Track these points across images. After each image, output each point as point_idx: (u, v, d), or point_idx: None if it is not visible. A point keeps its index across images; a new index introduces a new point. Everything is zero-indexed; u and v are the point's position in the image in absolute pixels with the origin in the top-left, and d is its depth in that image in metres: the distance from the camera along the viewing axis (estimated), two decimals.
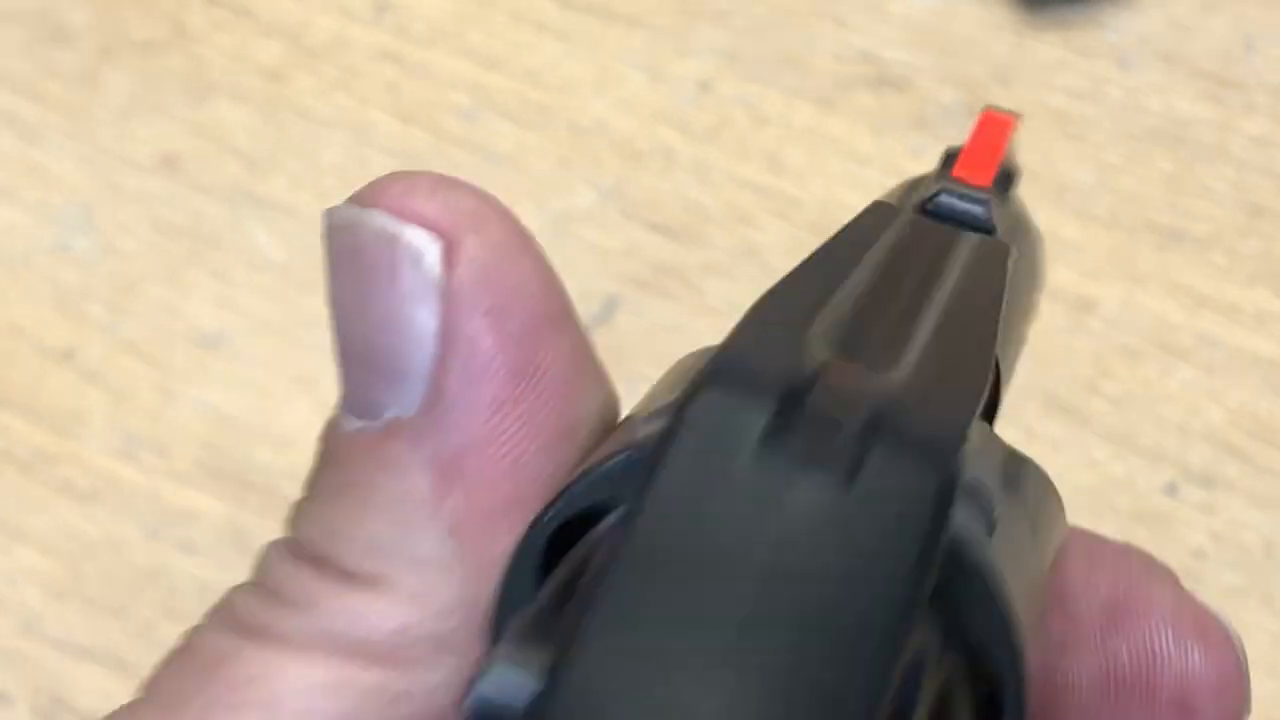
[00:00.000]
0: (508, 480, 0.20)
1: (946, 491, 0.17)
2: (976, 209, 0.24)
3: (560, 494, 0.20)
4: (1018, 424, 0.49)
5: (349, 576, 0.20)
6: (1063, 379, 0.50)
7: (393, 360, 0.20)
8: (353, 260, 0.20)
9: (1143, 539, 0.48)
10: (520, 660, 0.18)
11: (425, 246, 0.20)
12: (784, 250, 0.51)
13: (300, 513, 0.22)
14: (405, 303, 0.20)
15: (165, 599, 0.47)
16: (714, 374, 0.18)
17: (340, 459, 0.21)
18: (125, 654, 0.47)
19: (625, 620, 0.17)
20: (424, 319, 0.20)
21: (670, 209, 0.52)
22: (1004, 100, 0.53)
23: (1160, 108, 0.53)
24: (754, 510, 0.17)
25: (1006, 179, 0.26)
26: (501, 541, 0.20)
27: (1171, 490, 0.48)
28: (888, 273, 0.21)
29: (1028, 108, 0.53)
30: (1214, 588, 0.47)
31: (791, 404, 0.18)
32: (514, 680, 0.17)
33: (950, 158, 0.26)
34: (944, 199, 0.25)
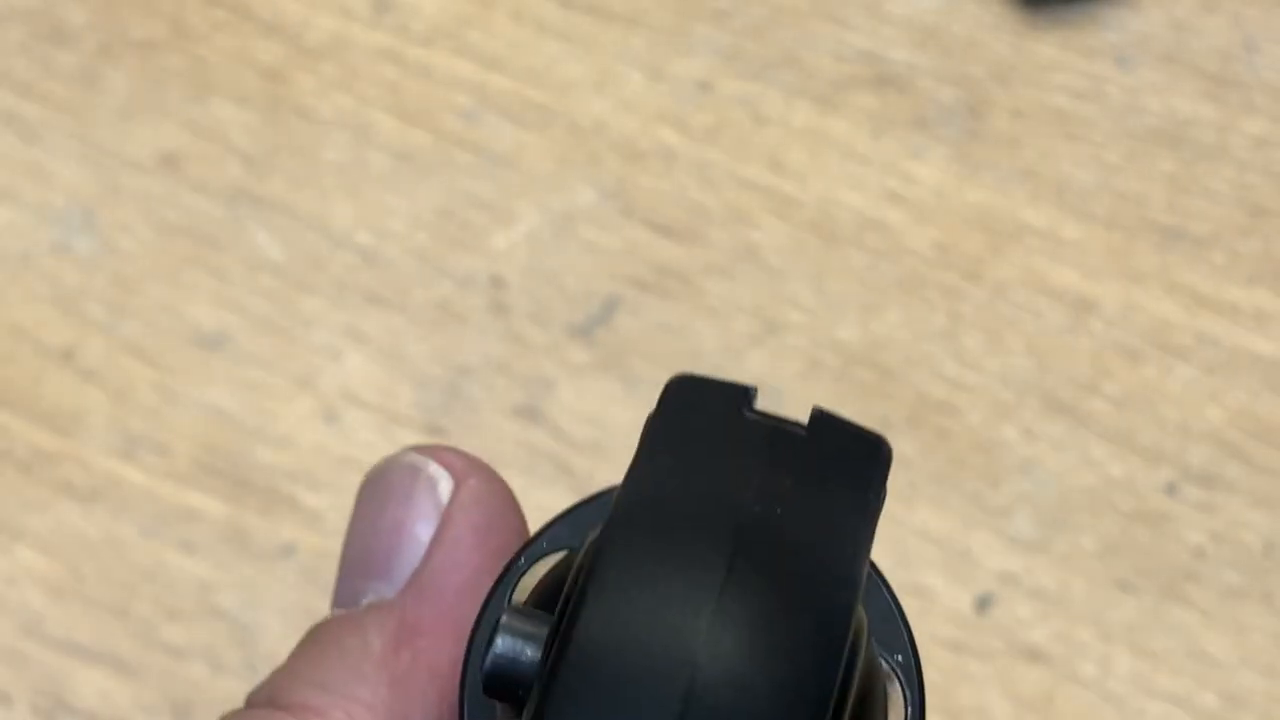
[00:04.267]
0: (455, 650, 0.23)
1: (886, 456, 0.20)
2: None
3: (536, 537, 0.22)
4: (1018, 424, 0.49)
5: (289, 708, 0.24)
6: (1063, 379, 0.50)
7: (387, 561, 0.25)
8: (380, 487, 0.26)
9: (1143, 539, 0.48)
10: (526, 625, 0.20)
11: (440, 478, 0.25)
12: (784, 250, 0.51)
13: (271, 674, 0.26)
14: (412, 518, 0.25)
15: (165, 599, 0.47)
16: (680, 378, 0.21)
17: (314, 630, 0.25)
18: (125, 654, 0.47)
19: (622, 574, 0.19)
20: (423, 533, 0.25)
21: (670, 209, 0.52)
22: (1004, 100, 0.53)
23: (1160, 108, 0.53)
24: (742, 441, 0.20)
25: None
26: (433, 701, 0.24)
27: (1171, 490, 0.48)
28: None
29: (1028, 108, 0.53)
30: (1214, 588, 0.47)
31: (748, 399, 0.21)
32: (523, 640, 0.20)
33: None
34: None
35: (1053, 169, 0.52)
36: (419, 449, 0.26)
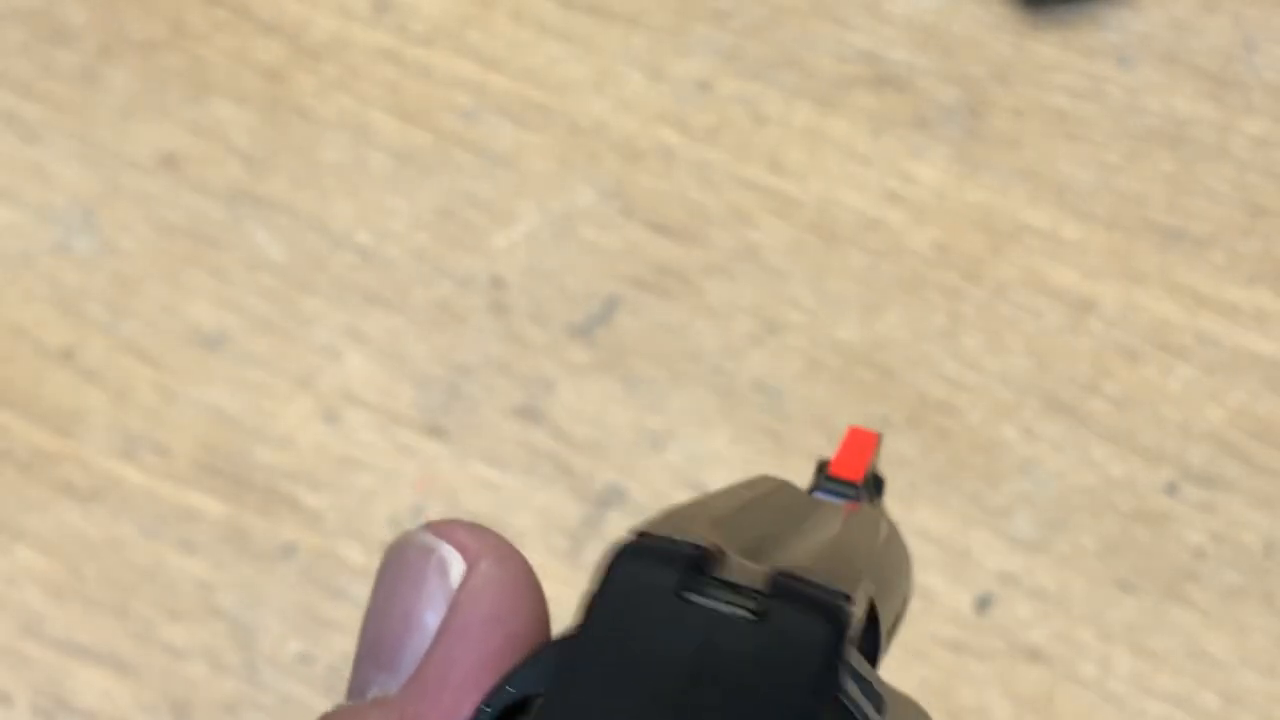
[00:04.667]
0: None
1: (839, 633, 0.19)
2: (851, 494, 0.29)
3: (499, 685, 0.22)
4: (1018, 424, 0.49)
5: None
6: (1063, 379, 0.50)
7: (394, 651, 0.25)
8: (395, 568, 0.25)
9: (1143, 539, 0.48)
10: None
11: (452, 561, 0.25)
12: (784, 250, 0.51)
13: None
14: (422, 605, 0.25)
15: (165, 598, 0.47)
16: (627, 547, 0.20)
17: None
18: (125, 654, 0.47)
19: None
20: (430, 621, 0.24)
21: (670, 209, 0.52)
22: (1004, 100, 0.53)
23: (1160, 108, 0.53)
24: (674, 642, 0.20)
25: (877, 483, 0.31)
26: None
27: (1171, 490, 0.48)
28: (778, 510, 0.25)
29: (1028, 108, 0.53)
30: (1214, 588, 0.47)
31: (698, 569, 0.20)
32: None
33: (822, 467, 0.30)
34: (821, 493, 0.29)
35: (1053, 169, 0.52)
36: (434, 526, 0.25)
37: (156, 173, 0.53)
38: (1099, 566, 0.48)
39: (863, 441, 0.29)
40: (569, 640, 0.20)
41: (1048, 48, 0.54)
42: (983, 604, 0.47)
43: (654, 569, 0.20)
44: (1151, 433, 0.49)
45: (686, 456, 0.48)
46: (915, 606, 0.48)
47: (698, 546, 0.20)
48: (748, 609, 0.19)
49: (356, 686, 0.25)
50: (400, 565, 0.25)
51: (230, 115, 0.54)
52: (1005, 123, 0.53)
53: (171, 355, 0.50)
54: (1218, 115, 0.53)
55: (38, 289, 0.51)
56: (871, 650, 0.25)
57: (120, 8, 0.55)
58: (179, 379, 0.50)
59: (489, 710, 0.22)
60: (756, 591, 0.20)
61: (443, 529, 0.25)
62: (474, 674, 0.24)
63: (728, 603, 0.20)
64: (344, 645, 0.46)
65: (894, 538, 0.29)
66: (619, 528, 0.48)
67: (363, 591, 0.42)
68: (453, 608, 0.24)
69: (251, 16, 0.55)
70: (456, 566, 0.25)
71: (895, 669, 0.24)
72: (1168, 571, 0.48)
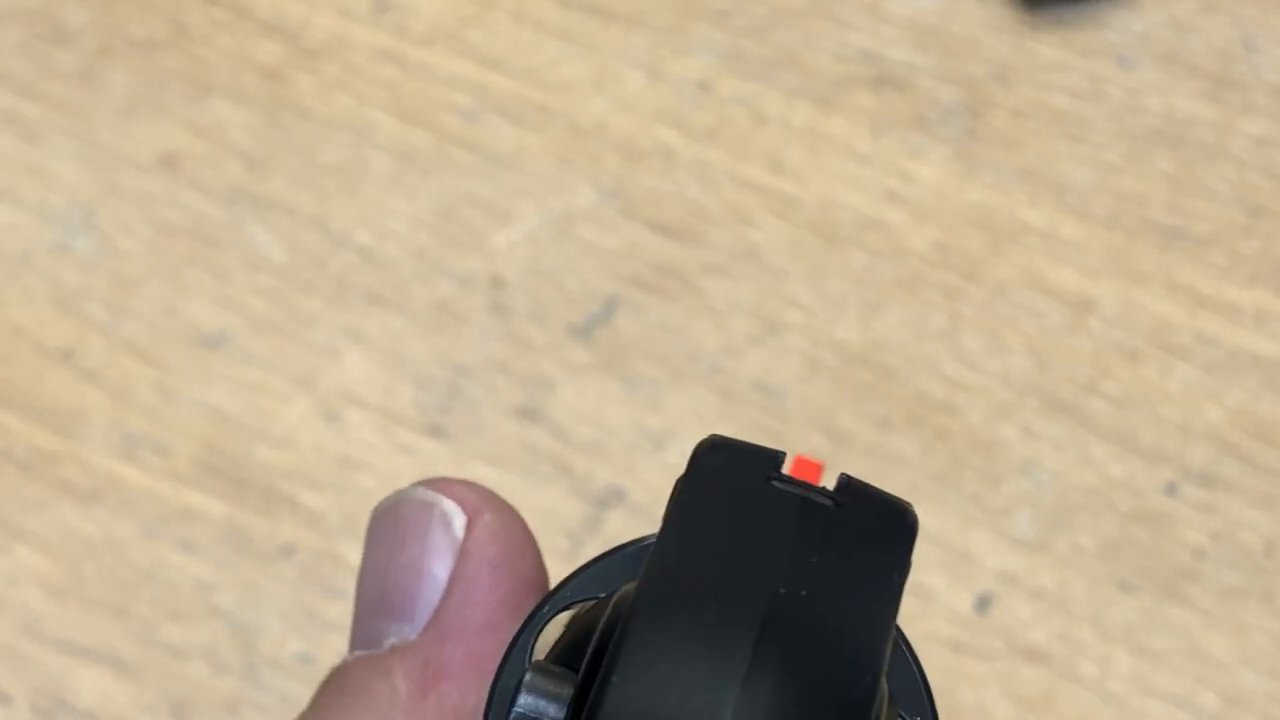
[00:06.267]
0: (478, 692, 0.24)
1: (911, 528, 0.21)
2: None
3: (560, 586, 0.22)
4: (1018, 424, 0.49)
5: None
6: (1063, 379, 0.50)
7: (406, 601, 0.25)
8: (393, 525, 0.26)
9: (1142, 539, 0.48)
10: (549, 684, 0.20)
11: (454, 514, 0.25)
12: (784, 250, 0.51)
13: None
14: (429, 556, 0.25)
15: (165, 599, 0.47)
16: (711, 442, 0.22)
17: (339, 675, 0.26)
18: (125, 654, 0.47)
19: (648, 654, 0.19)
20: (440, 571, 0.25)
21: (670, 209, 0.52)
22: (1004, 100, 0.53)
23: (1160, 108, 0.53)
24: (769, 519, 0.20)
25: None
26: None
27: (1171, 490, 0.48)
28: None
29: (1028, 108, 0.53)
30: (1214, 588, 0.47)
31: (776, 467, 0.21)
32: (546, 699, 0.20)
33: None
34: None
35: (1053, 169, 0.52)
36: (430, 483, 0.26)
37: (156, 173, 0.53)
38: (1099, 566, 0.48)
39: (807, 470, 0.31)
40: (666, 524, 0.20)
41: (1048, 48, 0.54)
42: (983, 604, 0.47)
43: (739, 460, 0.21)
44: (1151, 433, 0.49)
45: (686, 456, 0.48)
46: (915, 606, 0.48)
47: (769, 449, 0.21)
48: (829, 498, 0.21)
49: (368, 638, 0.25)
50: (401, 521, 0.26)
51: (230, 115, 0.54)
52: (1005, 123, 0.53)
53: (171, 355, 0.50)
54: (1218, 115, 0.53)
55: (37, 289, 0.51)
56: None
57: (120, 8, 0.55)
58: (179, 379, 0.50)
59: (546, 612, 0.22)
60: (827, 490, 0.21)
61: (439, 485, 0.26)
62: (493, 615, 0.25)
63: (809, 494, 0.21)
64: (344, 645, 0.46)
65: None
66: (619, 528, 0.48)
67: None
68: (462, 556, 0.25)
69: (251, 16, 0.55)
70: (458, 519, 0.25)
71: None
72: (1168, 571, 0.48)
